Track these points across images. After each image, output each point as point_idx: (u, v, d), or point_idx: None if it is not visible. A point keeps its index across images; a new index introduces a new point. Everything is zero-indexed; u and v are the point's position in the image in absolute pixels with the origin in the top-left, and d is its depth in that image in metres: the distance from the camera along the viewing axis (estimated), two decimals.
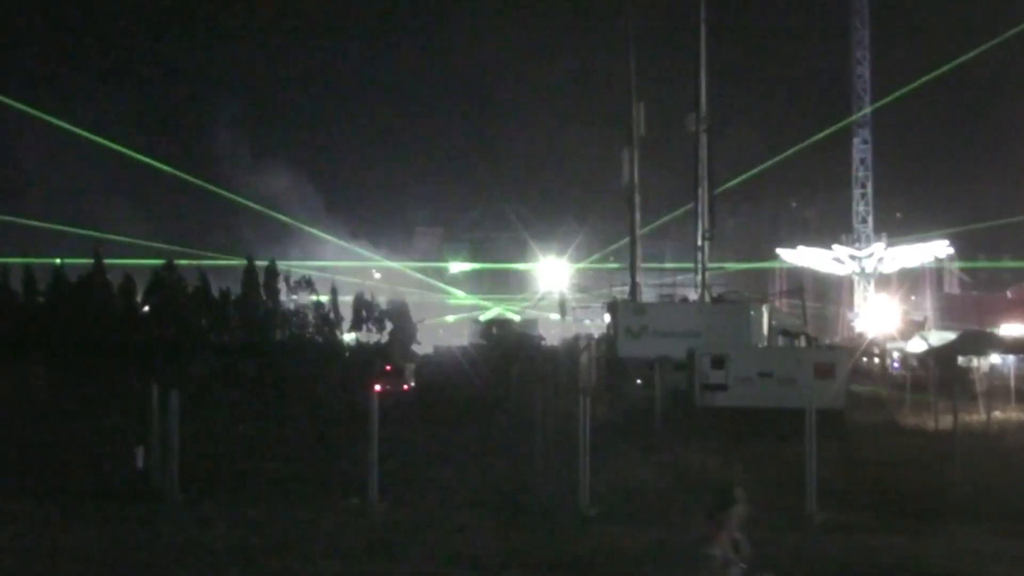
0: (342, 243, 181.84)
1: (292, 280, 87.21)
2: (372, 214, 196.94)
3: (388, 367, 71.49)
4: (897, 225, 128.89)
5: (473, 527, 24.50)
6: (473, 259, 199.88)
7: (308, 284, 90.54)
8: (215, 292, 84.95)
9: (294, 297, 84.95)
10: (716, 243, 71.08)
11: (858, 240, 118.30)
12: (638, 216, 69.88)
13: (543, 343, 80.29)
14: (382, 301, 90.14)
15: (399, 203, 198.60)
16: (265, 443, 39.76)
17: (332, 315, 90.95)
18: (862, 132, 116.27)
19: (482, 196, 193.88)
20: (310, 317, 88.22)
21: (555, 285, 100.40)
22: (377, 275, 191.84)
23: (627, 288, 72.09)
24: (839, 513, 25.88)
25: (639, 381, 55.40)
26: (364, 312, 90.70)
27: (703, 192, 68.25)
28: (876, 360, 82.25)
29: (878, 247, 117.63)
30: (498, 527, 24.48)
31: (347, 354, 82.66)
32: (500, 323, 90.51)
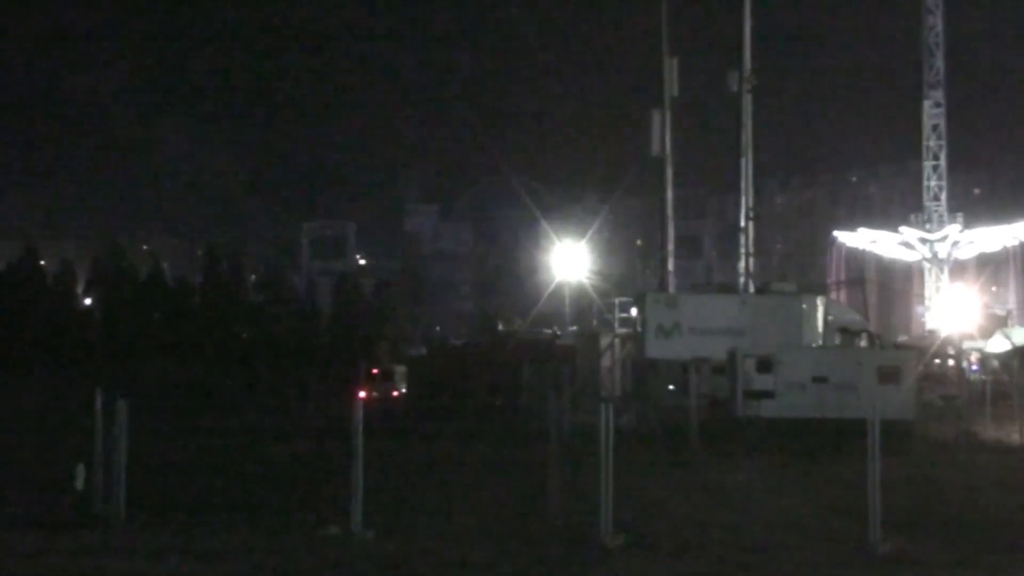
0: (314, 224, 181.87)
1: (262, 268, 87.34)
2: (352, 188, 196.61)
3: (374, 370, 71.55)
4: (975, 203, 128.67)
5: (475, 561, 24.39)
6: (475, 242, 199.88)
7: (277, 275, 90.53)
8: (170, 281, 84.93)
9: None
10: (762, 224, 70.94)
11: (929, 221, 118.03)
12: (670, 193, 69.66)
13: (557, 341, 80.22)
14: (367, 290, 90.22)
15: (386, 175, 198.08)
16: (229, 460, 39.68)
17: (308, 309, 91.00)
18: (934, 94, 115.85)
19: (486, 168, 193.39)
20: (283, 311, 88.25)
21: (571, 273, 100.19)
22: (362, 260, 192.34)
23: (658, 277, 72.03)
24: (907, 543, 25.75)
25: (671, 387, 55.28)
26: (345, 305, 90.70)
27: (747, 164, 68.09)
28: (951, 362, 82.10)
29: (953, 229, 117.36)
30: (505, 560, 24.38)
31: (325, 353, 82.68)
32: (507, 318, 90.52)
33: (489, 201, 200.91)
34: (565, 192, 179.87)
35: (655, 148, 69.01)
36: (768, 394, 47.34)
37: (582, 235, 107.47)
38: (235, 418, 58.98)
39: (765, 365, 47.83)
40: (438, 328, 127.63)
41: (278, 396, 69.47)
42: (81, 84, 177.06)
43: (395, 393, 68.47)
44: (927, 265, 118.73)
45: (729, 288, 69.11)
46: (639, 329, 60.10)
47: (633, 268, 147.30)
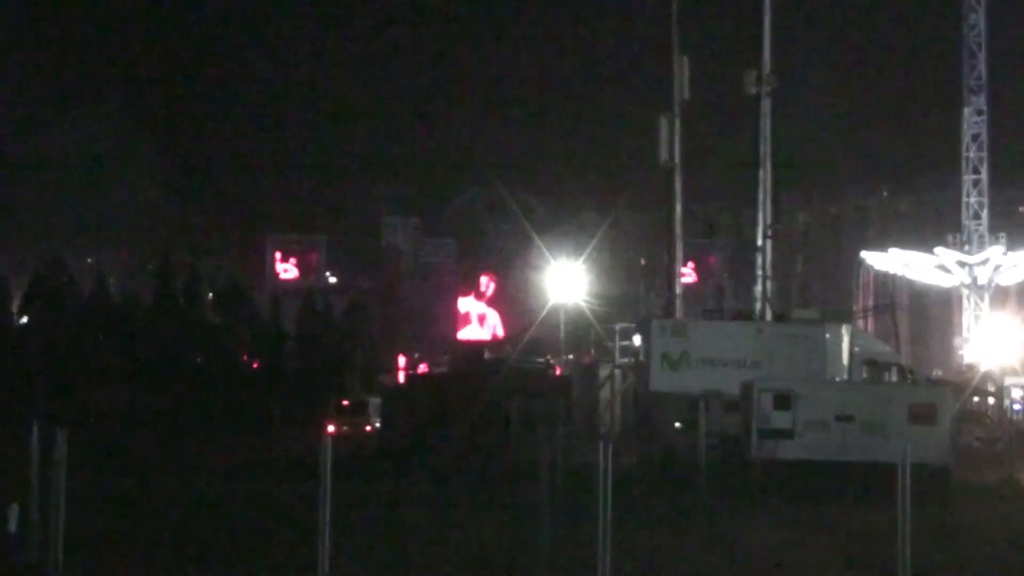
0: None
1: (221, 285, 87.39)
2: (324, 198, 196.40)
3: (345, 402, 71.50)
4: (1020, 222, 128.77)
5: None
6: (460, 258, 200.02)
7: (238, 293, 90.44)
8: (118, 299, 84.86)
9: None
10: (782, 243, 70.95)
11: (968, 242, 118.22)
12: (679, 207, 69.75)
13: (550, 372, 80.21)
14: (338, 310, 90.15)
15: (359, 185, 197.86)
16: (181, 500, 39.61)
17: (272, 332, 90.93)
18: (976, 100, 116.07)
19: (473, 176, 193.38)
20: (244, 334, 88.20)
21: (567, 295, 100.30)
22: (332, 278, 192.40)
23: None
24: None
25: (678, 424, 55.24)
26: (314, 328, 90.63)
27: (765, 175, 68.17)
28: (991, 400, 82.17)
29: (995, 251, 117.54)
30: None
31: (291, 382, 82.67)
32: (494, 345, 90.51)
33: (476, 215, 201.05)
34: (561, 205, 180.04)
35: (663, 157, 69.05)
36: (786, 433, 47.28)
37: (579, 253, 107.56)
38: (189, 453, 58.93)
39: (783, 401, 47.79)
40: (417, 355, 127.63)
41: (237, 429, 69.41)
42: (23, 81, 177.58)
43: (368, 428, 68.44)
44: (966, 291, 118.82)
45: (744, 314, 69.13)
46: (642, 359, 60.06)
47: (636, 291, 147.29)
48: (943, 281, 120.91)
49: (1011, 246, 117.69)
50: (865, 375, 59.37)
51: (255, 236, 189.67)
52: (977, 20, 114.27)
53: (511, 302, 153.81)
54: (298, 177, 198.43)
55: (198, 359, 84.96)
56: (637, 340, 62.82)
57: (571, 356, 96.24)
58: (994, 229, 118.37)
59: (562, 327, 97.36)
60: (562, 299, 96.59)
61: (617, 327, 66.77)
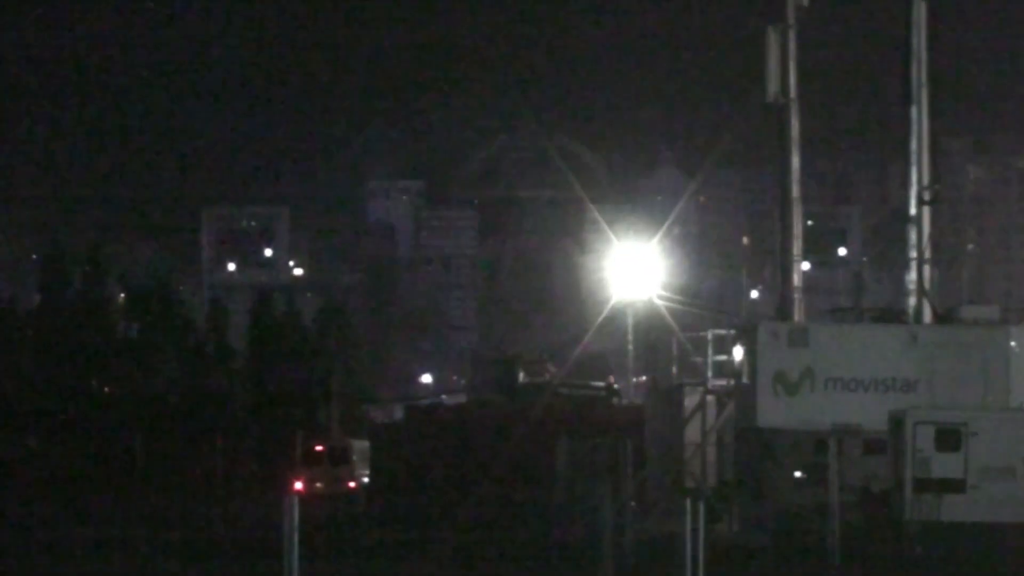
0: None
1: (137, 281, 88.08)
2: (286, 155, 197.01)
3: (319, 446, 71.69)
4: None
5: None
6: (481, 238, 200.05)
7: (162, 294, 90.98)
8: None
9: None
10: (946, 210, 70.96)
11: None
12: (797, 161, 69.85)
13: (612, 400, 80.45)
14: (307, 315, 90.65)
15: (336, 136, 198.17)
16: None
17: (212, 348, 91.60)
18: None
19: (499, 122, 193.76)
20: (171, 351, 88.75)
21: (636, 290, 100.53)
22: (297, 270, 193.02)
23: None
24: None
25: (798, 474, 55.41)
26: (271, 341, 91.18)
27: (920, 113, 68.27)
28: None
29: None
30: None
31: (240, 420, 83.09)
32: (530, 363, 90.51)
33: (503, 175, 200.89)
34: (626, 160, 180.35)
35: (771, 89, 69.20)
36: (955, 485, 47.46)
37: (654, 229, 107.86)
38: (95, 522, 59.25)
39: (950, 439, 47.94)
40: (421, 376, 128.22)
41: (164, 488, 69.82)
42: None
43: (352, 483, 68.74)
44: None
45: (892, 315, 69.27)
46: (747, 381, 60.29)
47: (735, 282, 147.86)
48: None
49: None
50: None
51: (184, 212, 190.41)
52: None
53: (554, 300, 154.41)
54: (247, 126, 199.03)
55: (104, 388, 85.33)
56: (739, 354, 63.04)
57: (643, 378, 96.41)
58: None
59: (630, 336, 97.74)
60: (629, 295, 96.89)
61: (710, 335, 66.96)
